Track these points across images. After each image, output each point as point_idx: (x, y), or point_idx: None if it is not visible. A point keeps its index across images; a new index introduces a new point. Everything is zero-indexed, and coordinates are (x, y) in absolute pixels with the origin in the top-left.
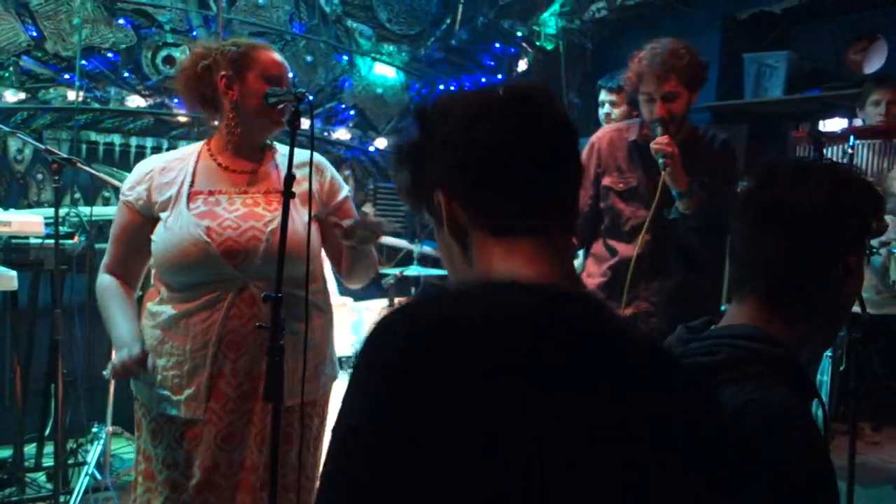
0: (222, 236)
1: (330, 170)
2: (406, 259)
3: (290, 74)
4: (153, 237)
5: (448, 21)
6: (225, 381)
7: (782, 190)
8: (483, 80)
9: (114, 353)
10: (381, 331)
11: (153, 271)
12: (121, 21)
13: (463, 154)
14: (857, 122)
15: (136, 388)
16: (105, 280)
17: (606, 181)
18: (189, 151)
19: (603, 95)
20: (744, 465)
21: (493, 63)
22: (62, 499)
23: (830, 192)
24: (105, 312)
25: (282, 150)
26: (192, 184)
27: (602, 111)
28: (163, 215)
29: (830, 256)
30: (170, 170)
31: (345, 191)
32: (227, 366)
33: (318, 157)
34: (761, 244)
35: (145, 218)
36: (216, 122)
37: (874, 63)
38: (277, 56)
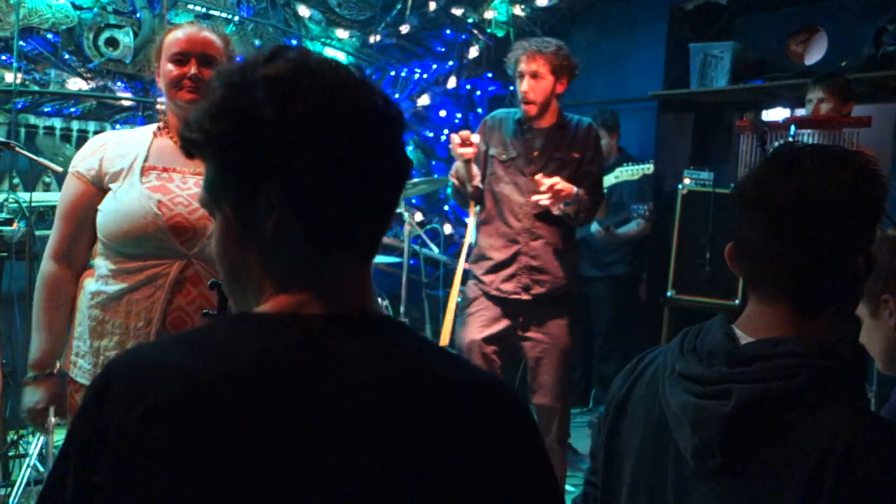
0: (172, 211)
1: None
2: None
3: (215, 47)
4: (100, 207)
5: (399, 7)
6: None
7: (805, 180)
8: (434, 66)
9: (29, 367)
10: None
11: (97, 246)
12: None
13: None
14: (799, 112)
15: (78, 373)
16: (48, 272)
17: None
18: (146, 130)
19: None
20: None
21: (443, 49)
22: (3, 492)
23: (853, 179)
24: (35, 315)
25: None
26: (146, 158)
27: None
28: (113, 186)
29: (857, 247)
30: (124, 143)
31: None
32: None
33: None
34: (784, 238)
35: (96, 189)
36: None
37: (814, 55)
38: (185, 31)
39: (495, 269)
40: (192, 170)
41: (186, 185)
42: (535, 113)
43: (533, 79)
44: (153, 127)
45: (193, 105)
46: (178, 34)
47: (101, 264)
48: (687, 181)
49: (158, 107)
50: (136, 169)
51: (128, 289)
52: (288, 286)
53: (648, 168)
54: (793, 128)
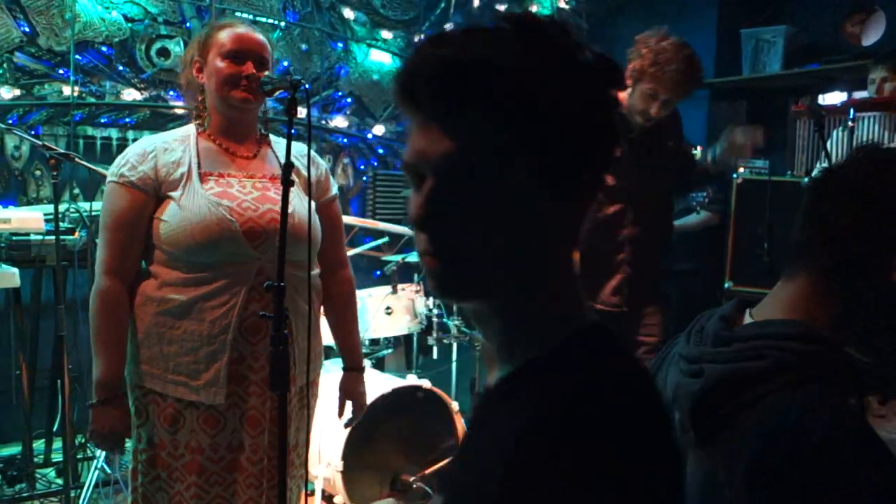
0: (243, 216)
1: (324, 165)
2: (408, 245)
3: (267, 50)
4: (163, 217)
5: (442, 5)
6: (246, 365)
7: (861, 174)
8: None
9: (95, 389)
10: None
11: (156, 254)
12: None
13: None
14: (858, 95)
15: (140, 377)
16: (104, 288)
17: None
18: (184, 133)
19: None
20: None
21: None
22: (72, 493)
23: None
24: (95, 334)
25: (278, 140)
26: (199, 164)
27: None
28: (173, 194)
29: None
30: (172, 149)
31: (334, 190)
32: (247, 350)
33: (312, 152)
34: (830, 222)
35: (149, 197)
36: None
37: (872, 35)
38: (239, 30)
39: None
40: (245, 174)
41: (246, 190)
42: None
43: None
44: (191, 129)
45: (246, 103)
46: (233, 31)
47: (167, 273)
48: (742, 170)
49: (193, 104)
50: (195, 176)
51: (201, 297)
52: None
53: (695, 154)
54: (852, 111)
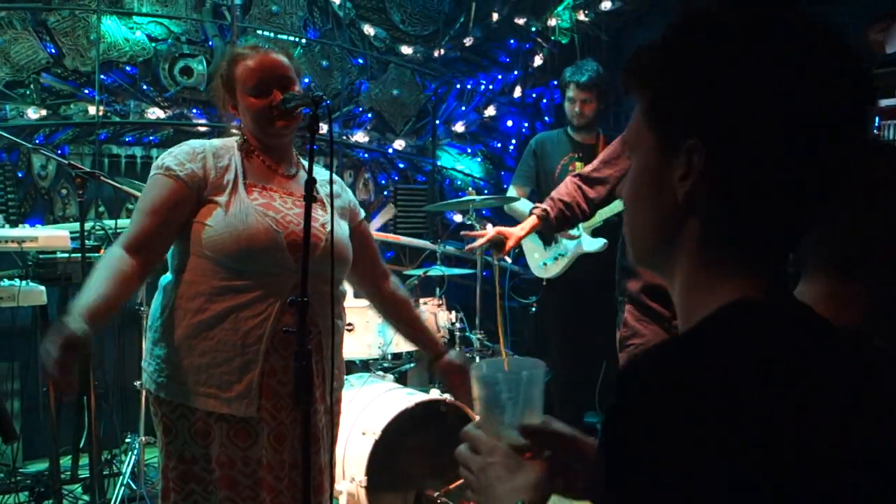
0: (287, 229)
1: (350, 191)
2: (429, 259)
3: (288, 68)
4: (207, 222)
5: (461, 20)
6: (276, 378)
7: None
8: (499, 77)
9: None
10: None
11: (194, 262)
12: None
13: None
14: (884, 103)
15: (169, 391)
16: (113, 253)
17: None
18: (228, 143)
19: (572, 92)
20: None
21: (508, 60)
22: None
23: None
24: (92, 275)
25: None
26: (244, 174)
27: (574, 109)
28: (218, 199)
29: None
30: (221, 156)
31: (362, 214)
32: (278, 363)
33: (337, 178)
34: (844, 221)
35: (193, 193)
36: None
37: None
38: (252, 63)
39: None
40: (285, 190)
41: (287, 206)
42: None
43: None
44: (234, 141)
45: (285, 130)
46: (247, 65)
47: (203, 282)
48: None
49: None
50: (241, 185)
51: (237, 307)
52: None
53: None
54: (877, 119)
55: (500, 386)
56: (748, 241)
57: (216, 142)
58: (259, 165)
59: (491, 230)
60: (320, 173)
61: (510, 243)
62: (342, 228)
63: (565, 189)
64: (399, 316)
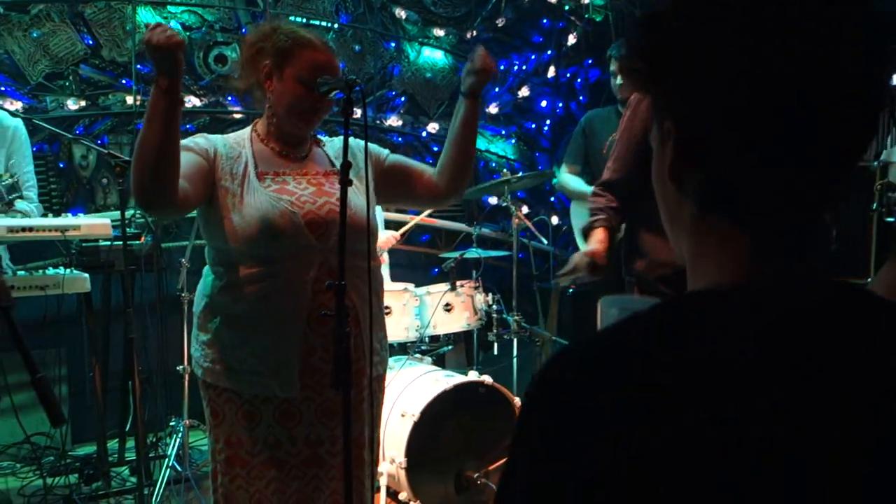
0: (303, 209)
1: (370, 147)
2: (465, 242)
3: (341, 66)
4: (228, 216)
5: (493, 1)
6: (317, 356)
7: None
8: (532, 57)
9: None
10: None
11: (223, 256)
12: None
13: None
14: None
15: (214, 376)
16: None
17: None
18: (239, 137)
19: (614, 66)
20: None
21: (541, 39)
22: (145, 491)
23: None
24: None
25: (329, 142)
26: (255, 164)
27: (616, 82)
28: (228, 186)
29: None
30: (231, 146)
31: (385, 152)
32: (317, 342)
33: (355, 140)
34: None
35: (206, 163)
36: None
37: None
38: (322, 56)
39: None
40: (299, 171)
41: (302, 186)
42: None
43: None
44: (246, 133)
45: (308, 129)
46: (318, 57)
47: (234, 273)
48: None
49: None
50: (251, 174)
51: (271, 290)
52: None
53: None
54: None
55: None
56: (736, 220)
57: (228, 136)
58: (271, 153)
59: (576, 257)
60: (332, 144)
61: (603, 259)
62: (360, 197)
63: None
64: (453, 146)
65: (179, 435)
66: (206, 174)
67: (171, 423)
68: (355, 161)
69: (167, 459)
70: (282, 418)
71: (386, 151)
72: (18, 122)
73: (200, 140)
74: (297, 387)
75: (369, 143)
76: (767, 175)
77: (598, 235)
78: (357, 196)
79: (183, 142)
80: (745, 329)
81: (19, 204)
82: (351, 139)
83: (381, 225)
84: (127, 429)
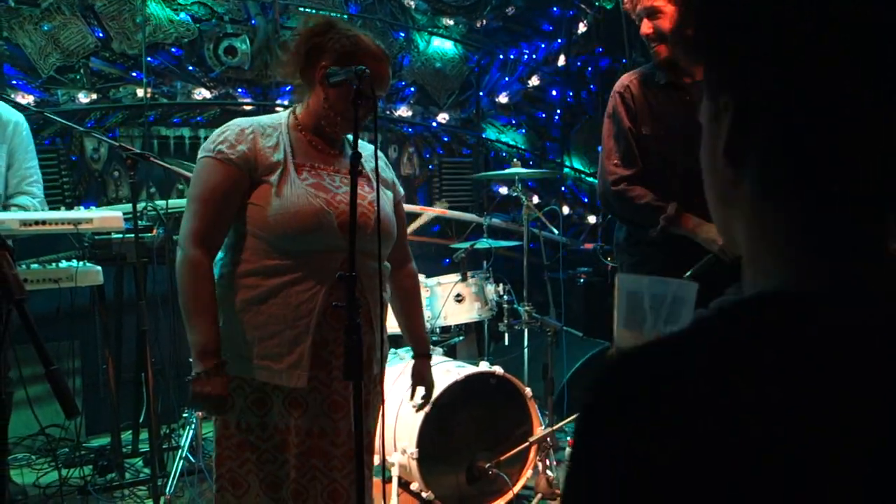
0: (338, 209)
1: (391, 169)
2: (476, 232)
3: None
4: (260, 203)
5: None
6: (328, 349)
7: None
8: (542, 45)
9: (193, 361)
10: None
11: (248, 241)
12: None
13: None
14: None
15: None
16: (192, 257)
17: (645, 130)
18: (277, 120)
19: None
20: None
21: (551, 28)
22: (159, 482)
23: None
24: (187, 304)
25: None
26: (294, 154)
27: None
28: (270, 179)
29: None
30: (269, 135)
31: (402, 193)
32: (329, 335)
33: (381, 154)
34: None
35: (246, 176)
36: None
37: None
38: (383, 69)
39: None
40: (333, 168)
41: (336, 184)
42: (668, 53)
43: (651, 19)
44: (284, 117)
45: (343, 133)
46: (380, 70)
47: (256, 260)
48: None
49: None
50: (291, 164)
51: (289, 282)
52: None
53: None
54: None
55: (642, 294)
56: (800, 207)
57: (263, 119)
58: (307, 144)
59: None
60: (365, 148)
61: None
62: (388, 203)
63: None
64: (402, 304)
65: (192, 426)
66: (244, 188)
67: (184, 415)
68: (383, 172)
69: (180, 451)
70: (290, 407)
71: (402, 194)
72: (20, 117)
73: (242, 146)
74: (306, 378)
75: (395, 176)
76: (842, 158)
77: (695, 221)
78: (386, 203)
79: (224, 152)
80: (824, 360)
81: (19, 199)
82: (369, 147)
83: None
84: (140, 420)
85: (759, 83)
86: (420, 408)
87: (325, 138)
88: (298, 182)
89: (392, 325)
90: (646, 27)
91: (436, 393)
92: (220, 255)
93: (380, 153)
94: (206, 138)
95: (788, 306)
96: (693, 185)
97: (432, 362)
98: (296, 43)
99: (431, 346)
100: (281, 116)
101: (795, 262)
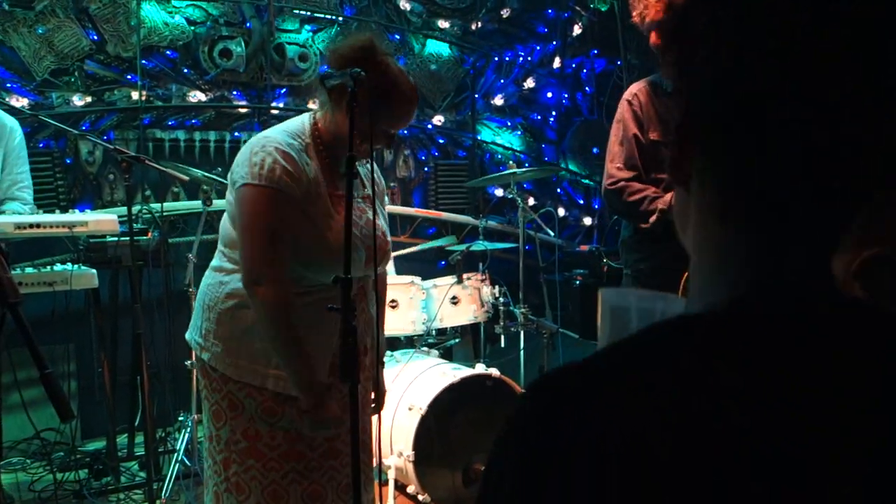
0: (364, 243)
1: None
2: (472, 235)
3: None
4: (302, 236)
5: None
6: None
7: None
8: (537, 48)
9: (303, 393)
10: None
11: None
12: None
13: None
14: None
15: (237, 371)
16: (282, 297)
17: (653, 136)
18: (302, 143)
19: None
20: None
21: (546, 30)
22: (155, 486)
23: None
24: (287, 344)
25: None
26: (325, 183)
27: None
28: (310, 211)
29: None
30: (307, 163)
31: (387, 200)
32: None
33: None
34: None
35: (301, 202)
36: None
37: None
38: (412, 109)
39: None
40: (357, 194)
41: (356, 214)
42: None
43: (658, 31)
44: (307, 133)
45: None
46: (410, 111)
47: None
48: None
49: (313, 114)
50: (325, 195)
51: (309, 303)
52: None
53: None
54: None
55: (629, 309)
56: (742, 214)
57: (294, 141)
58: (328, 167)
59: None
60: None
61: None
62: (385, 220)
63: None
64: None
65: (188, 430)
66: (296, 214)
67: (180, 419)
68: (378, 186)
69: (176, 454)
70: (300, 413)
71: (386, 202)
72: (14, 122)
73: (304, 177)
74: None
75: (385, 184)
76: (782, 158)
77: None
78: (384, 220)
79: (292, 186)
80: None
81: (8, 205)
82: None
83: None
84: (136, 424)
85: (695, 82)
86: (373, 412)
87: (336, 159)
88: (334, 215)
89: (388, 328)
90: (654, 38)
91: (432, 395)
92: (226, 264)
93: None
94: (200, 141)
95: (737, 320)
96: None
97: (426, 365)
98: (330, 61)
99: (428, 349)
100: (305, 131)
101: (736, 274)
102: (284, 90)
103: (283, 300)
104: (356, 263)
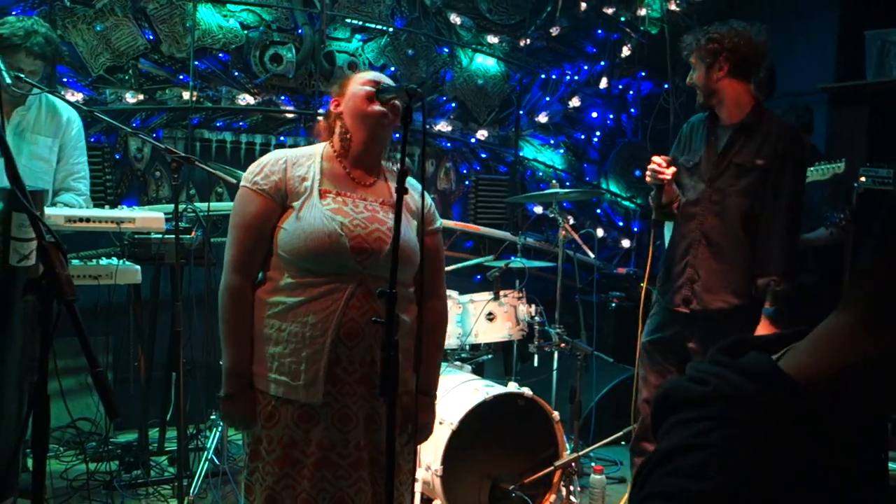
0: (353, 233)
1: (431, 201)
2: (507, 251)
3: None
4: (284, 226)
5: (549, 9)
6: (342, 367)
7: None
8: (585, 67)
9: (223, 381)
10: None
11: (274, 260)
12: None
13: None
14: None
15: (254, 378)
16: (232, 284)
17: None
18: (313, 150)
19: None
20: None
21: (594, 49)
22: (185, 482)
23: None
24: (225, 327)
25: (391, 168)
26: (321, 181)
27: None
28: (295, 205)
29: None
30: (300, 164)
31: (438, 223)
32: (343, 353)
33: (418, 185)
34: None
35: (277, 205)
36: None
37: None
38: (367, 75)
39: (665, 278)
40: (359, 196)
41: (359, 210)
42: (702, 100)
43: (693, 70)
44: (319, 149)
45: (383, 118)
46: (366, 74)
47: (279, 277)
48: (863, 179)
49: (322, 123)
50: (316, 190)
51: (306, 300)
52: None
53: (839, 167)
54: None
55: None
56: None
57: (299, 151)
58: (340, 172)
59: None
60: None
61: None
62: (410, 230)
63: None
64: (420, 334)
65: (219, 429)
66: (277, 215)
67: (212, 417)
68: (416, 203)
69: (206, 452)
70: (299, 420)
71: (439, 223)
72: (74, 114)
73: (275, 176)
74: (321, 394)
75: (433, 204)
76: None
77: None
78: (408, 229)
79: (259, 183)
80: None
81: (63, 196)
82: (415, 184)
83: None
84: (168, 419)
85: None
86: (406, 442)
87: (359, 166)
88: (319, 206)
89: None
90: (689, 79)
91: (464, 411)
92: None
93: (417, 185)
94: (247, 143)
95: None
96: (706, 203)
97: (459, 380)
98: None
99: (461, 364)
100: (316, 147)
101: None
102: (330, 98)
103: (235, 288)
104: (340, 251)
